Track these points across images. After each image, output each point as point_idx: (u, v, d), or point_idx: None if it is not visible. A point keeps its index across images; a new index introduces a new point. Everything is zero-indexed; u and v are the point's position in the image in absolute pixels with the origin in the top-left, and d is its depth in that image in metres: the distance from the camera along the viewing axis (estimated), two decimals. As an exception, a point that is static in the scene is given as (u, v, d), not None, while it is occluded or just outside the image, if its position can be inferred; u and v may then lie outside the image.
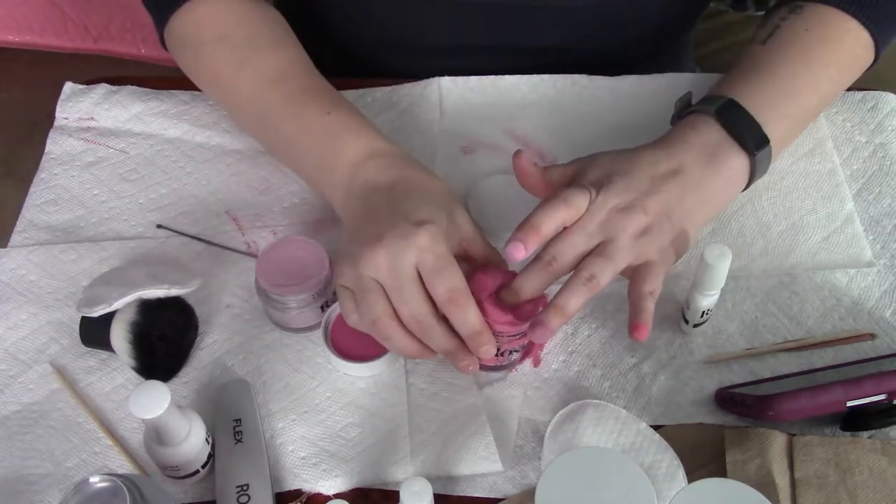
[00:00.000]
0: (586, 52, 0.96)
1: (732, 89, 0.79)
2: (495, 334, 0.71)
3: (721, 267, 0.70)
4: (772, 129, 0.77)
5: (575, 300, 0.68)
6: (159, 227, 0.86)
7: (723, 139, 0.76)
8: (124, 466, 0.72)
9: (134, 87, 0.95)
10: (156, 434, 0.66)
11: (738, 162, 0.76)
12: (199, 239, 0.85)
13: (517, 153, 0.76)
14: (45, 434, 0.73)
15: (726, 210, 0.86)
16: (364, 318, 0.69)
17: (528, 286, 0.69)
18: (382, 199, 0.72)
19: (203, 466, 0.69)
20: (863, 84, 0.96)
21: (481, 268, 0.73)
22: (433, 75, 0.95)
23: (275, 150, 0.86)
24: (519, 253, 0.68)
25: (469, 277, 0.70)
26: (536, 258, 0.70)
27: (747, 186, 0.79)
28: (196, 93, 0.95)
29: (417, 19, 0.94)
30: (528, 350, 0.77)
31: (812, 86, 0.82)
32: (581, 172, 0.75)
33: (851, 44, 0.83)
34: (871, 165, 0.89)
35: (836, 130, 0.92)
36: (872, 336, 0.78)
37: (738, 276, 0.81)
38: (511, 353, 0.74)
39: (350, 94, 0.94)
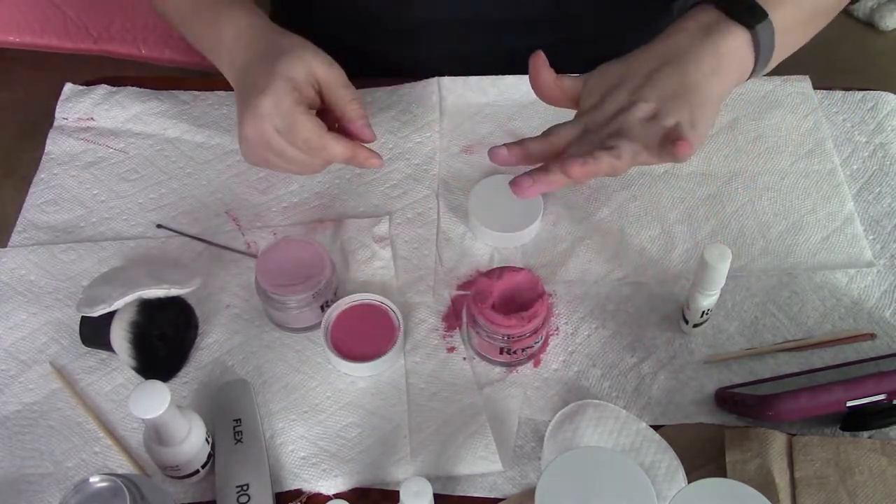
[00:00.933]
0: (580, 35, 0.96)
1: None
2: (502, 336, 0.71)
3: (721, 267, 0.70)
4: (774, 10, 0.74)
5: (599, 164, 0.69)
6: (159, 226, 0.86)
7: (718, 17, 0.75)
8: (124, 466, 0.72)
9: (134, 88, 0.95)
10: (156, 434, 0.66)
11: (736, 36, 0.74)
12: (199, 239, 0.85)
13: (535, 54, 0.76)
14: (45, 434, 0.73)
15: (726, 209, 0.86)
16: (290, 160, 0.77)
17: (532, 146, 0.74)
18: (244, 77, 0.79)
19: (203, 466, 0.69)
20: (863, 84, 0.96)
21: (484, 272, 0.74)
22: (423, 60, 0.95)
23: (186, 35, 0.89)
24: (500, 156, 0.74)
25: (471, 282, 0.70)
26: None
27: (755, 69, 0.76)
28: (196, 93, 0.95)
29: None
30: (543, 346, 0.77)
31: None
32: (588, 86, 0.76)
33: None
34: (870, 165, 0.89)
35: (836, 130, 0.92)
36: (872, 336, 0.77)
37: (738, 276, 0.81)
38: (523, 350, 0.74)
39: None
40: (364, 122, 0.78)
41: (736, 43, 0.74)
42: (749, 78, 0.77)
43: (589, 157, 0.69)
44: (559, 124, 0.75)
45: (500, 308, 0.72)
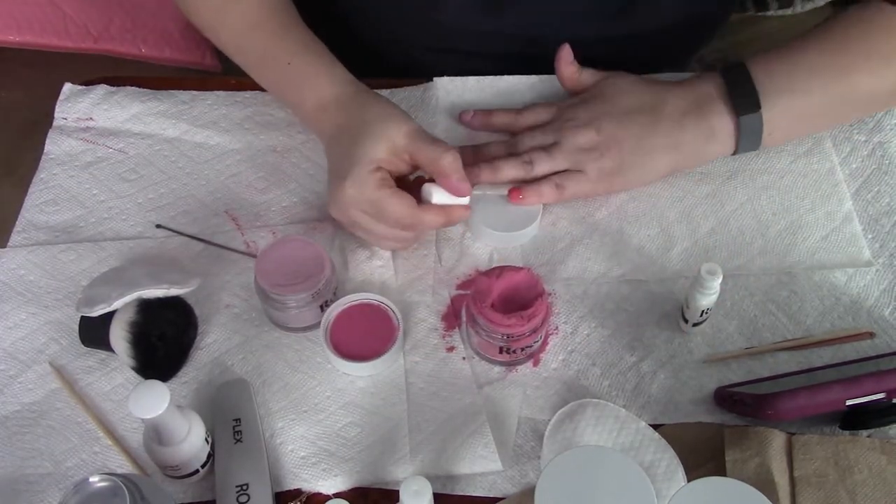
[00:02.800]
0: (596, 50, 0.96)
1: (753, 57, 0.79)
2: (502, 335, 0.71)
3: (713, 284, 0.72)
4: (776, 99, 0.76)
5: (509, 170, 0.81)
6: (158, 226, 0.86)
7: (715, 95, 0.78)
8: (124, 466, 0.72)
9: (133, 88, 0.95)
10: (155, 434, 0.66)
11: (720, 120, 0.78)
12: (198, 238, 0.85)
13: (562, 47, 0.84)
14: (45, 434, 0.73)
15: (725, 208, 0.86)
16: (379, 239, 0.80)
17: (491, 148, 0.84)
18: (328, 152, 0.80)
19: (203, 466, 0.69)
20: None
21: (484, 271, 0.74)
22: (435, 62, 0.96)
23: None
24: (466, 116, 0.89)
25: (470, 282, 0.72)
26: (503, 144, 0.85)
27: (737, 150, 0.81)
28: (195, 93, 0.95)
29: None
30: (543, 345, 0.77)
31: (840, 70, 0.77)
32: (597, 86, 0.85)
33: None
34: (869, 164, 0.89)
35: (835, 129, 0.92)
36: (871, 335, 0.78)
37: (737, 275, 0.81)
38: (523, 349, 0.74)
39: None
40: (460, 175, 0.75)
41: (718, 127, 0.79)
42: (733, 154, 0.83)
43: (506, 167, 0.81)
44: (538, 104, 0.86)
45: (500, 307, 0.72)
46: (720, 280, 0.71)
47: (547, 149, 0.81)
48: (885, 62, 0.78)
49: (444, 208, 0.77)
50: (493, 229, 0.83)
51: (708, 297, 0.73)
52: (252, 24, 0.86)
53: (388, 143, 0.75)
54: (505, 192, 0.83)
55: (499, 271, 0.74)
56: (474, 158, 0.83)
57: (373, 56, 1.00)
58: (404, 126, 0.76)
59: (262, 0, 0.86)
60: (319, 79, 0.82)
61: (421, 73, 0.96)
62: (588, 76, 0.85)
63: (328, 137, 0.80)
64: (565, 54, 0.84)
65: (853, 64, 0.77)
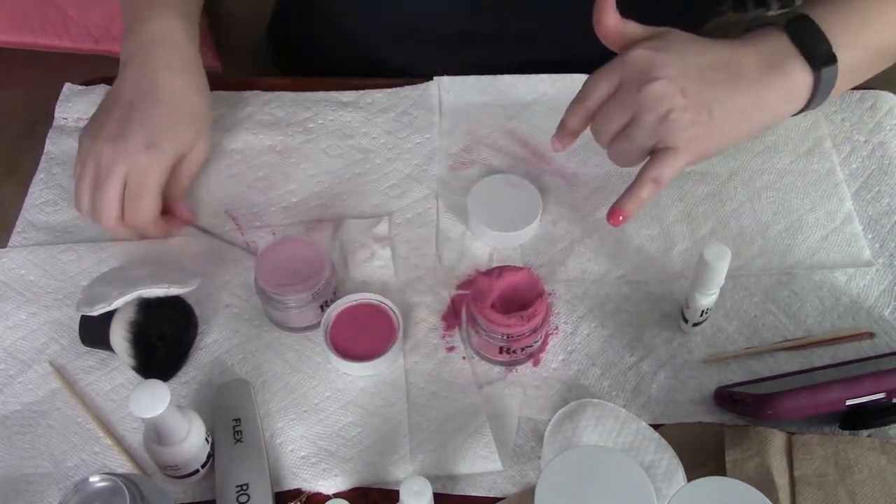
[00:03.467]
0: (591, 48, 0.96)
1: (810, 7, 0.75)
2: (502, 335, 0.71)
3: (720, 266, 0.70)
4: (842, 53, 0.73)
5: (620, 159, 0.74)
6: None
7: (789, 50, 0.73)
8: (124, 466, 0.72)
9: (133, 87, 0.95)
10: (155, 433, 0.66)
11: (800, 76, 0.73)
12: (205, 231, 0.85)
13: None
14: (45, 434, 0.73)
15: (725, 208, 0.86)
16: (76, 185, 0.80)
17: (571, 122, 0.76)
18: (141, 93, 0.80)
19: (203, 466, 0.69)
20: (862, 83, 0.96)
21: (484, 271, 0.74)
22: (435, 64, 0.95)
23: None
24: (557, 147, 0.77)
25: (470, 282, 0.72)
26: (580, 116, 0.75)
27: (805, 108, 0.75)
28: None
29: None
30: (543, 345, 0.78)
31: (886, 23, 0.77)
32: (647, 38, 0.74)
33: None
34: (869, 164, 0.89)
35: (835, 129, 0.92)
36: (871, 335, 0.78)
37: (737, 276, 0.81)
38: (523, 349, 0.74)
39: (349, 95, 0.95)
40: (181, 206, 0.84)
41: (798, 83, 0.73)
42: (799, 113, 0.76)
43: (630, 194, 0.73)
44: (592, 81, 0.74)
45: (500, 307, 0.72)
46: (727, 262, 0.70)
47: (627, 131, 0.72)
48: None
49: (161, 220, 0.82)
50: (492, 229, 0.83)
51: (708, 297, 0.73)
52: None
53: (200, 145, 0.82)
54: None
55: (499, 271, 0.74)
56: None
57: (373, 56, 1.00)
58: (205, 139, 0.83)
59: None
60: (166, 8, 0.83)
61: (420, 73, 0.96)
62: (635, 28, 0.74)
63: (143, 72, 0.81)
64: (608, 5, 0.73)
65: (893, 17, 0.77)
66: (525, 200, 0.85)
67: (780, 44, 0.73)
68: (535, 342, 0.74)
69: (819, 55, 0.73)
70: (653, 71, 0.70)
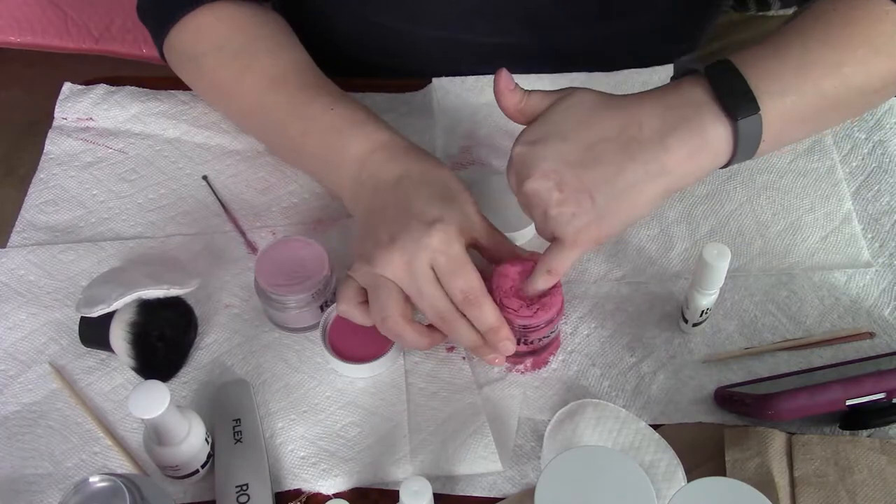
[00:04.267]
0: (587, 47, 0.96)
1: (741, 53, 0.68)
2: (521, 326, 0.71)
3: (720, 266, 0.70)
4: (768, 101, 0.66)
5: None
6: (205, 177, 0.89)
7: (705, 100, 0.66)
8: (124, 466, 0.72)
9: (133, 88, 0.95)
10: (155, 434, 0.66)
11: (717, 128, 0.65)
12: (226, 210, 0.86)
13: (500, 71, 0.70)
14: (45, 434, 0.73)
15: (724, 208, 0.86)
16: (375, 314, 0.70)
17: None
18: (391, 195, 0.73)
19: (203, 466, 0.69)
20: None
21: (498, 262, 0.74)
22: (432, 56, 0.95)
23: (284, 153, 0.87)
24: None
25: (485, 271, 0.71)
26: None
27: (729, 163, 0.68)
28: (195, 93, 0.95)
29: None
30: (555, 340, 0.78)
31: (831, 65, 0.68)
32: (547, 109, 0.70)
33: (889, 27, 0.69)
34: (869, 162, 0.89)
35: (835, 127, 0.92)
36: (871, 335, 0.77)
37: (736, 276, 0.81)
38: (541, 339, 0.74)
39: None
40: (531, 254, 0.74)
41: (714, 136, 0.66)
42: (724, 167, 0.69)
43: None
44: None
45: (518, 298, 0.72)
46: (727, 262, 0.69)
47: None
48: (873, 52, 0.69)
49: (501, 322, 0.70)
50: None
51: (708, 297, 0.73)
52: (277, 77, 0.81)
53: (473, 210, 0.73)
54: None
55: (513, 263, 0.74)
56: None
57: (364, 60, 1.00)
58: (472, 198, 0.74)
59: (284, 57, 0.83)
60: (367, 124, 0.77)
61: (418, 73, 0.96)
62: (537, 101, 0.70)
63: (378, 181, 0.74)
64: (504, 80, 0.70)
65: (842, 57, 0.69)
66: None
67: (694, 94, 0.66)
68: (550, 333, 0.74)
69: (737, 104, 0.65)
70: (528, 168, 0.67)
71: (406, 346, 0.72)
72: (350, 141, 0.76)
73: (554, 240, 0.69)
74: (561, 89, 0.71)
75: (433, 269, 0.69)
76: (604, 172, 0.66)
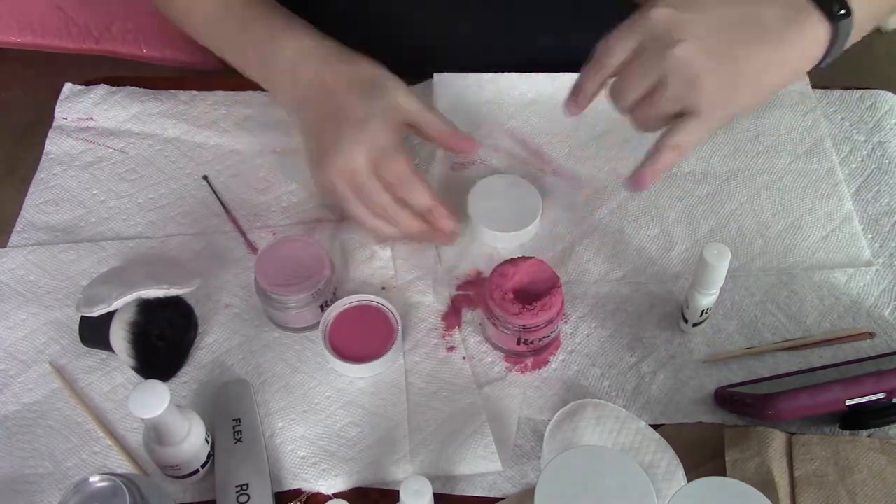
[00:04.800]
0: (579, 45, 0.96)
1: None
2: (521, 326, 0.71)
3: (720, 266, 0.70)
4: (856, 3, 0.70)
5: (643, 124, 0.71)
6: (205, 177, 0.89)
7: (805, 4, 0.69)
8: (124, 466, 0.72)
9: (133, 88, 0.95)
10: (155, 434, 0.66)
11: (819, 30, 0.70)
12: (226, 209, 0.86)
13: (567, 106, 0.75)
14: (45, 434, 0.73)
15: (725, 208, 0.86)
16: (355, 214, 0.77)
17: (586, 84, 0.72)
18: (324, 101, 0.77)
19: (202, 466, 0.69)
20: (862, 83, 0.96)
21: (499, 263, 0.74)
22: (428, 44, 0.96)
23: (237, 66, 0.88)
24: (571, 110, 0.74)
25: (472, 282, 0.72)
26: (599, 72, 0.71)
27: (822, 61, 0.72)
28: (195, 93, 0.95)
29: None
30: (555, 340, 0.78)
31: None
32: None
33: None
34: (869, 164, 0.89)
35: (835, 129, 0.92)
36: (871, 335, 0.78)
37: (737, 276, 0.81)
38: (541, 339, 0.74)
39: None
40: (457, 130, 0.78)
41: (818, 34, 0.70)
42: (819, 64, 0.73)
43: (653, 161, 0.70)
44: (610, 43, 0.70)
45: (516, 298, 0.72)
46: (728, 261, 0.69)
47: (651, 97, 0.69)
48: None
49: (437, 198, 0.76)
50: (491, 229, 0.83)
51: (708, 297, 0.73)
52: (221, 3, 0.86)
53: (405, 98, 0.76)
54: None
55: (514, 262, 0.74)
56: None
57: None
58: (403, 86, 0.77)
59: None
60: (294, 29, 0.81)
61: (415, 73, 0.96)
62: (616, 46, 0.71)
63: (316, 81, 0.78)
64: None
65: None
66: (525, 200, 0.85)
67: None
68: (550, 333, 0.74)
69: (836, 8, 0.70)
70: (676, 32, 0.67)
71: (404, 230, 0.76)
72: (278, 53, 0.80)
73: (681, 116, 0.69)
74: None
75: (370, 163, 0.74)
76: (745, 51, 0.68)
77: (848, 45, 0.74)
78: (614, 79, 0.71)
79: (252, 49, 0.84)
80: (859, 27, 0.73)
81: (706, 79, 0.67)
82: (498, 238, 0.83)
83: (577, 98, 0.74)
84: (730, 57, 0.68)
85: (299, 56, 0.80)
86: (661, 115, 0.69)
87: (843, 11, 0.70)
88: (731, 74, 0.68)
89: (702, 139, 0.70)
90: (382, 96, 0.76)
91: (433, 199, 0.76)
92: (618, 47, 0.70)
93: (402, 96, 0.77)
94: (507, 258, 0.75)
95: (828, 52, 0.71)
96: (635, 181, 0.71)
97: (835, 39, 0.71)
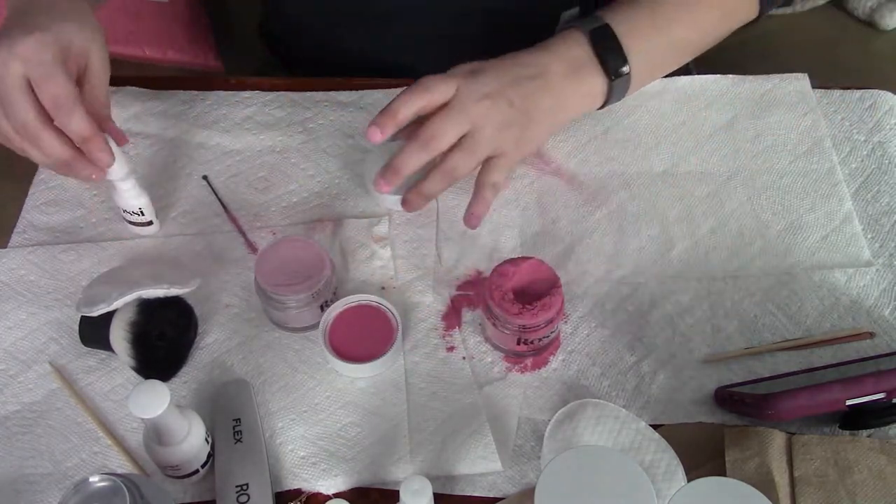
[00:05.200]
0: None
1: (611, 15, 0.84)
2: (521, 326, 0.72)
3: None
4: (639, 57, 0.83)
5: (436, 186, 0.80)
6: (205, 177, 0.89)
7: (588, 58, 0.82)
8: (124, 466, 0.72)
9: (133, 88, 0.95)
10: (155, 434, 0.66)
11: (596, 82, 0.83)
12: (227, 210, 0.86)
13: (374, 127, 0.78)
14: (45, 434, 0.73)
15: (725, 208, 0.86)
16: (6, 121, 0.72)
17: (408, 163, 0.78)
18: (20, 7, 0.74)
19: (202, 466, 0.69)
20: (862, 83, 0.96)
21: (499, 263, 0.74)
22: (387, 47, 0.97)
23: None
24: (376, 136, 0.77)
25: (472, 282, 0.71)
26: (414, 138, 0.78)
27: (603, 106, 0.86)
28: (195, 93, 0.95)
29: None
30: (555, 340, 0.78)
31: (689, 23, 0.87)
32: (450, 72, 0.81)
33: None
34: (869, 164, 0.89)
35: (835, 129, 0.92)
36: (871, 335, 0.78)
37: (736, 276, 0.81)
38: (541, 339, 0.74)
39: (349, 95, 0.95)
40: (114, 125, 0.77)
41: (594, 88, 0.83)
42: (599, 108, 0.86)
43: (433, 184, 0.80)
44: (433, 81, 0.78)
45: (516, 298, 0.72)
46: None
47: (462, 145, 0.78)
48: (727, 15, 0.88)
49: (95, 123, 0.72)
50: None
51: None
52: None
53: (93, 44, 0.74)
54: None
55: (514, 262, 0.74)
56: (388, 169, 0.79)
57: (359, 58, 1.00)
58: (105, 48, 0.75)
59: None
60: None
61: (409, 72, 0.96)
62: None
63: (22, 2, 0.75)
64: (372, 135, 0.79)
65: (700, 18, 0.87)
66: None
67: (580, 51, 0.82)
68: (550, 333, 0.74)
69: (613, 67, 0.82)
70: (480, 85, 0.78)
71: (46, 152, 0.72)
72: None
73: (490, 158, 0.80)
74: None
75: (27, 79, 0.69)
76: (532, 96, 0.80)
77: (645, 82, 0.88)
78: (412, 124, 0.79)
79: None
80: (650, 70, 0.87)
81: (509, 127, 0.79)
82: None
83: (386, 121, 0.77)
84: (524, 106, 0.80)
85: None
86: (475, 160, 0.79)
87: (624, 69, 0.83)
88: (525, 120, 0.80)
89: (509, 175, 0.85)
90: (77, 26, 0.73)
91: (91, 131, 0.71)
92: (439, 88, 0.78)
93: (96, 40, 0.74)
94: (507, 258, 0.75)
95: (607, 100, 0.85)
96: (469, 221, 0.81)
97: (611, 91, 0.84)
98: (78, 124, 0.71)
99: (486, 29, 0.95)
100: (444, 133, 0.77)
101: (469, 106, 0.78)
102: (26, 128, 0.71)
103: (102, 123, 0.76)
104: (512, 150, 0.81)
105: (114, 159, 0.74)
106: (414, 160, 0.78)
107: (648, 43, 0.84)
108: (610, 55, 0.82)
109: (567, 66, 0.82)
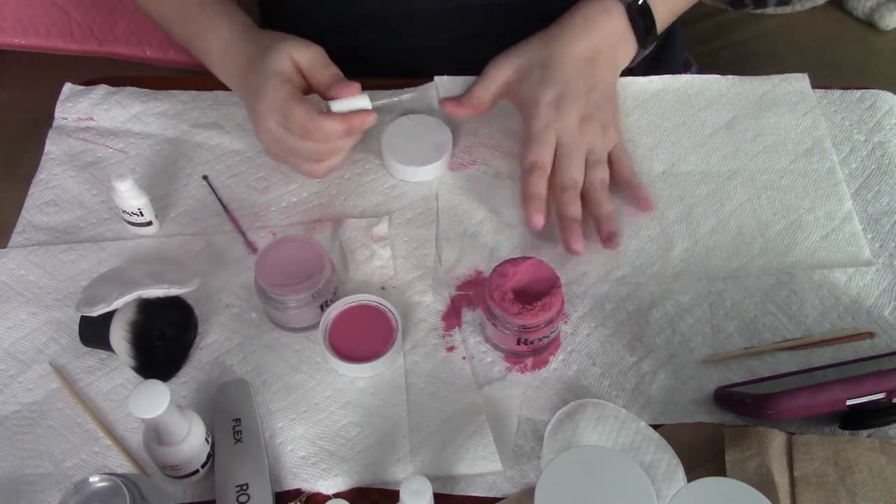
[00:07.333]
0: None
1: None
2: (521, 326, 0.72)
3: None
4: (660, 22, 0.91)
5: (607, 204, 0.84)
6: (205, 177, 0.90)
7: (626, 31, 0.89)
8: (124, 466, 0.72)
9: (133, 88, 0.96)
10: (155, 434, 0.66)
11: (632, 51, 0.91)
12: (227, 210, 0.86)
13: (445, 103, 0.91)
14: (45, 434, 0.73)
15: (725, 208, 0.86)
16: (297, 169, 0.87)
17: (571, 210, 0.83)
18: (245, 82, 0.85)
19: (202, 466, 0.69)
20: (862, 83, 0.96)
21: (499, 263, 0.74)
22: (399, 51, 0.97)
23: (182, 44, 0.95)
24: (539, 223, 0.82)
25: (472, 281, 0.72)
26: (557, 189, 0.85)
27: (640, 51, 0.92)
28: (195, 93, 0.95)
29: None
30: (555, 340, 0.78)
31: None
32: (521, 83, 0.89)
33: None
34: (869, 164, 0.89)
35: (835, 129, 0.92)
36: (871, 335, 0.78)
37: (736, 276, 0.81)
38: (541, 339, 0.74)
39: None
40: (342, 79, 0.82)
41: (631, 56, 0.90)
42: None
43: (603, 204, 0.84)
44: (537, 150, 0.85)
45: (516, 298, 0.72)
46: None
47: (591, 163, 0.85)
48: None
49: (344, 115, 0.80)
50: (401, 163, 0.87)
51: None
52: None
53: (288, 57, 0.81)
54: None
55: (514, 262, 0.74)
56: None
57: (372, 60, 1.00)
58: (300, 42, 0.82)
59: None
60: (218, 21, 0.87)
61: (418, 73, 0.96)
62: (483, 90, 0.91)
63: (237, 71, 0.85)
64: (449, 108, 0.91)
65: None
66: (434, 137, 0.89)
67: (621, 23, 0.89)
68: (550, 333, 0.74)
69: (648, 39, 0.90)
70: (574, 112, 0.85)
71: (331, 135, 0.80)
72: (210, 41, 0.88)
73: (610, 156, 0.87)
74: (495, 66, 0.90)
75: (280, 125, 0.80)
76: (601, 84, 0.88)
77: (659, 27, 0.91)
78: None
79: (193, 41, 0.91)
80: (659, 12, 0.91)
81: (605, 125, 0.86)
82: (408, 173, 0.88)
83: (536, 207, 0.83)
84: (605, 113, 0.87)
85: (225, 51, 0.86)
86: (603, 175, 0.85)
87: (652, 41, 0.91)
88: (610, 121, 0.87)
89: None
90: (268, 61, 0.81)
91: (342, 123, 0.80)
92: (545, 151, 0.85)
93: (290, 53, 0.81)
94: (507, 258, 0.76)
95: (638, 39, 0.90)
96: (645, 205, 0.86)
97: (635, 25, 0.89)
98: (331, 129, 0.80)
99: (502, 25, 0.95)
100: (579, 175, 0.85)
101: (577, 142, 0.85)
102: (311, 154, 0.82)
103: (333, 89, 0.82)
104: (618, 138, 0.88)
105: (374, 114, 0.82)
106: (574, 205, 0.84)
107: (668, 7, 0.91)
108: (647, 30, 0.89)
109: (613, 39, 0.89)
